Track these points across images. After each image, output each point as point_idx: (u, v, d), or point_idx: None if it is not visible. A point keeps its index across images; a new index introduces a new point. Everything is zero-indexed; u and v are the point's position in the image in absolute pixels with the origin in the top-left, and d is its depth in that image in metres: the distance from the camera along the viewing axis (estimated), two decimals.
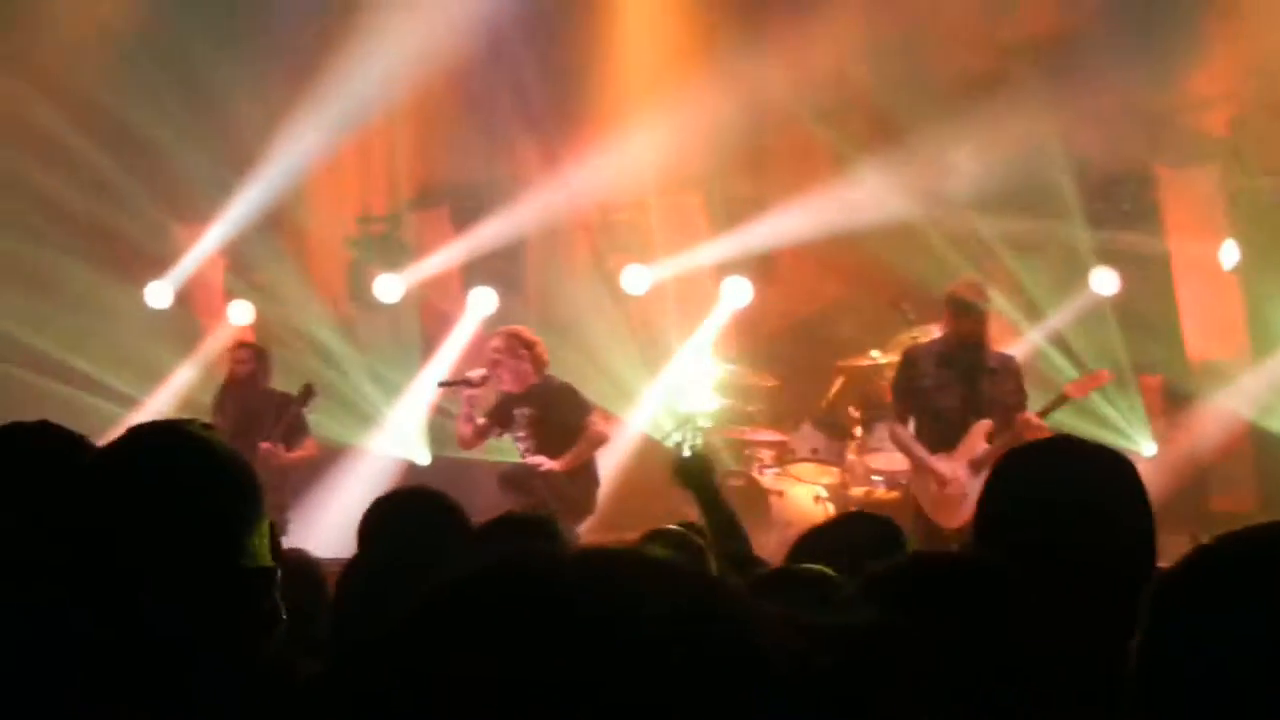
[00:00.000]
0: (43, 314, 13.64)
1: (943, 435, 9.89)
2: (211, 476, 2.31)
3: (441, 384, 12.10)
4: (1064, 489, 2.90)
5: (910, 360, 10.15)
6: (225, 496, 2.31)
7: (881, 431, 11.22)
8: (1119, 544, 2.82)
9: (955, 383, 9.87)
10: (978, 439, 9.80)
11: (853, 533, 4.32)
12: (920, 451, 9.92)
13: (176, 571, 2.23)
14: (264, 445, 11.11)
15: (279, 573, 2.34)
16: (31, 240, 13.81)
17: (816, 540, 4.36)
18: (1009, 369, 9.99)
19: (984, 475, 9.65)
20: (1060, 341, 12.56)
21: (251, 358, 11.70)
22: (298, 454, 11.42)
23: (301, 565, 4.34)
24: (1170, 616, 1.56)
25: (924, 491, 9.99)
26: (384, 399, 13.91)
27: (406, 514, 4.54)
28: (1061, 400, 10.06)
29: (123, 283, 14.03)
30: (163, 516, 2.26)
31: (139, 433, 2.39)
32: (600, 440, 10.67)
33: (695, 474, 5.62)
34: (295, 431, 11.41)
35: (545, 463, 10.44)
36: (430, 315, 14.20)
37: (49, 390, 13.09)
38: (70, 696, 2.13)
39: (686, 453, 6.12)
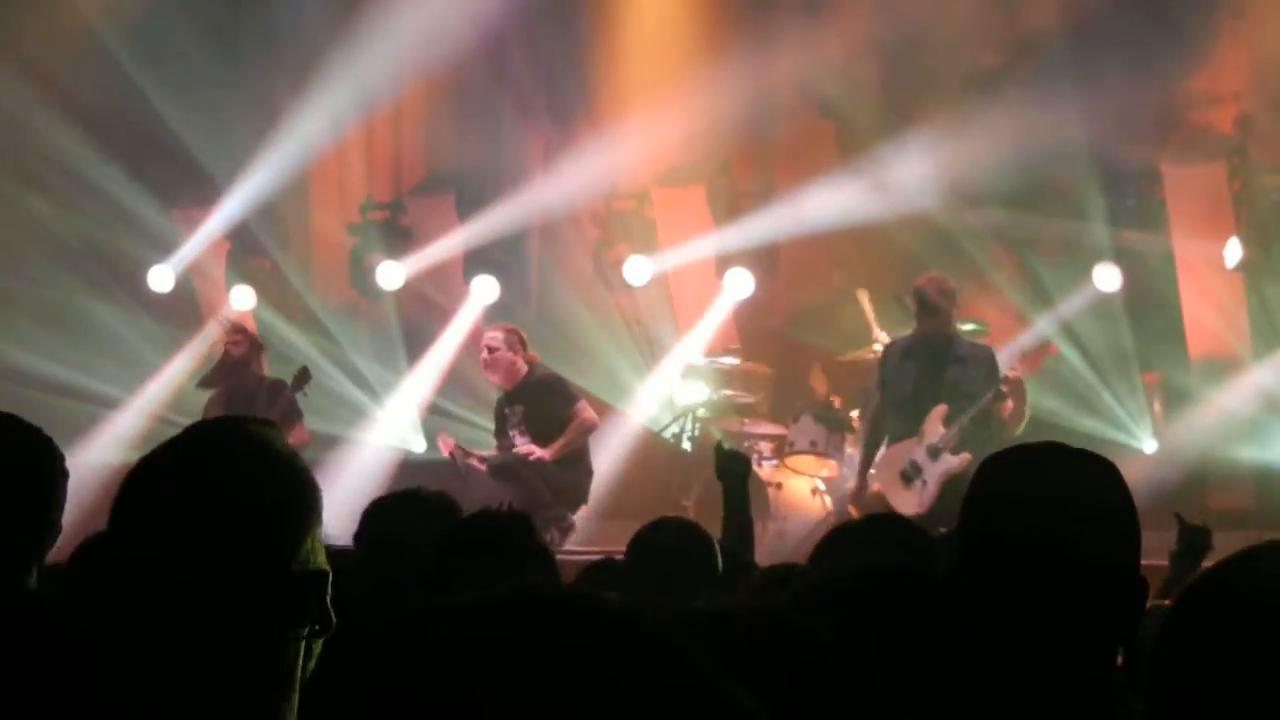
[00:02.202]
0: (42, 335, 13.61)
1: (903, 422, 10.14)
2: (270, 477, 2.22)
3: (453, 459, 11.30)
4: (1048, 495, 2.86)
5: (885, 354, 10.56)
6: (284, 498, 2.22)
7: None
8: (1105, 551, 2.79)
9: (914, 372, 10.12)
10: (935, 423, 10.01)
11: (877, 536, 4.29)
12: (858, 456, 10.53)
13: (229, 576, 2.15)
14: None
15: (330, 576, 2.25)
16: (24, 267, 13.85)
17: (839, 541, 4.32)
18: (979, 359, 10.17)
19: (941, 460, 9.81)
20: (1070, 334, 12.56)
21: (245, 341, 11.70)
22: None
23: None
24: (1189, 635, 1.55)
25: (882, 480, 10.25)
26: (373, 390, 13.84)
27: (404, 517, 4.52)
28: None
29: (116, 285, 14.03)
30: (218, 519, 2.17)
31: (196, 431, 2.29)
32: (588, 428, 10.72)
33: (734, 470, 5.88)
34: (288, 418, 11.38)
35: (534, 452, 10.47)
36: (412, 305, 14.16)
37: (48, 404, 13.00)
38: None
39: (728, 446, 6.38)
